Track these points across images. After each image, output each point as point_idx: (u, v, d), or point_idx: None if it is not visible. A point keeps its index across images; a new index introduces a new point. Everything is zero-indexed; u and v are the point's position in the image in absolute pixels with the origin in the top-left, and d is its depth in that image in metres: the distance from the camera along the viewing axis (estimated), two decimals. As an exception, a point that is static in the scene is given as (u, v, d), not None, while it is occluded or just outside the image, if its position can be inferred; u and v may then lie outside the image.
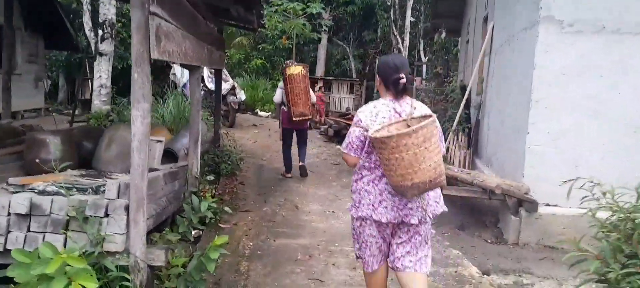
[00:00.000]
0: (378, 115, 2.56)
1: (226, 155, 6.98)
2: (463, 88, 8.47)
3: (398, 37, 17.26)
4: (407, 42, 17.82)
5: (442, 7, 13.09)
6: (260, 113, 15.79)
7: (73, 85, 18.05)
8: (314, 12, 16.45)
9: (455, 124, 8.16)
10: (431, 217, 2.61)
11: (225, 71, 12.23)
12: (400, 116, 2.56)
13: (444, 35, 11.03)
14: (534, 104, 4.80)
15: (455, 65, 15.13)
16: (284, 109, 7.05)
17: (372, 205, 2.58)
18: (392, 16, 17.55)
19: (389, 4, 17.47)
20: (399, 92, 2.57)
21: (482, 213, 5.60)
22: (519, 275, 4.05)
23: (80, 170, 4.16)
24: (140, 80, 2.82)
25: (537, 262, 4.36)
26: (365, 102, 20.05)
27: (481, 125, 7.99)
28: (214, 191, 5.88)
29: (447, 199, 3.01)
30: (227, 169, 6.82)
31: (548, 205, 4.79)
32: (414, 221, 2.54)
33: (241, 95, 11.13)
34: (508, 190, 4.70)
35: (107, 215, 2.93)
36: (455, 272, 3.92)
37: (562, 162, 4.78)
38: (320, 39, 23.08)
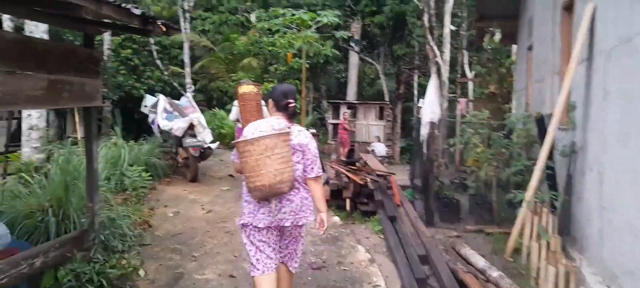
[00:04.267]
0: (257, 129, 2.92)
1: (96, 273, 3.68)
2: (540, 121, 4.85)
3: (435, 49, 13.64)
4: (447, 55, 14.21)
5: (490, 3, 9.56)
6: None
7: (64, 119, 15.45)
8: (327, 22, 13.08)
9: (531, 189, 4.51)
10: (303, 222, 2.99)
11: (191, 99, 9.10)
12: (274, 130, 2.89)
13: (497, 37, 7.41)
14: None
15: (509, 83, 11.39)
16: (239, 126, 6.91)
17: (253, 213, 2.90)
18: (426, 23, 13.84)
19: (421, 8, 13.86)
20: (290, 114, 3.06)
21: None
22: None
23: None
24: None
25: None
26: (402, 129, 16.13)
27: (575, 189, 4.38)
28: None
29: None
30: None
31: None
32: (287, 224, 2.92)
33: (205, 136, 7.75)
34: None
35: None
36: None
37: None
38: (346, 57, 19.81)
